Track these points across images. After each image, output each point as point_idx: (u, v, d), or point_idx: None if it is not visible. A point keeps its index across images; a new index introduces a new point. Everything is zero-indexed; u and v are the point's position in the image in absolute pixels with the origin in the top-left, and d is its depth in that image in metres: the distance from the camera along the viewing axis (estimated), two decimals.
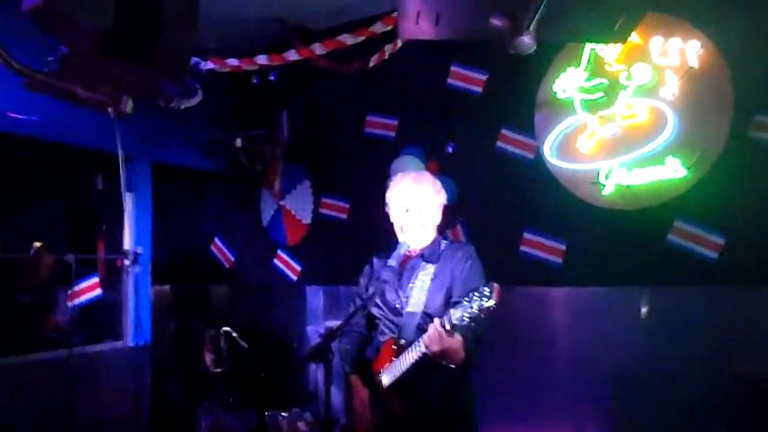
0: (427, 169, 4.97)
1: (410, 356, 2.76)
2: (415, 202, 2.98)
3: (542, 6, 1.77)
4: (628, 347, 4.24)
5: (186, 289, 6.75)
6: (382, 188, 5.12)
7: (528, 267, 4.61)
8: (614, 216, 4.31)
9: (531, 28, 1.88)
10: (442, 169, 4.97)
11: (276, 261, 6.18)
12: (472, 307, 2.47)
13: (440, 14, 1.93)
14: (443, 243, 3.08)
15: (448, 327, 2.54)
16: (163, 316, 6.49)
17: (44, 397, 4.76)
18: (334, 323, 5.57)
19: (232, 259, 6.59)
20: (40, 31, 2.29)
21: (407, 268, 3.05)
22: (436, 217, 3.06)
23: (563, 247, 4.53)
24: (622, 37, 2.03)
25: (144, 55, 2.37)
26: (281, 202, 6.18)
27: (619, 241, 4.27)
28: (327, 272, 5.87)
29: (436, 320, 2.59)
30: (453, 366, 2.66)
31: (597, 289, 4.41)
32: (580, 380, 4.42)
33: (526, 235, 4.65)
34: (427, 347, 2.61)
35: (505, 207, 4.77)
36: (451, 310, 2.54)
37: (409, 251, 3.04)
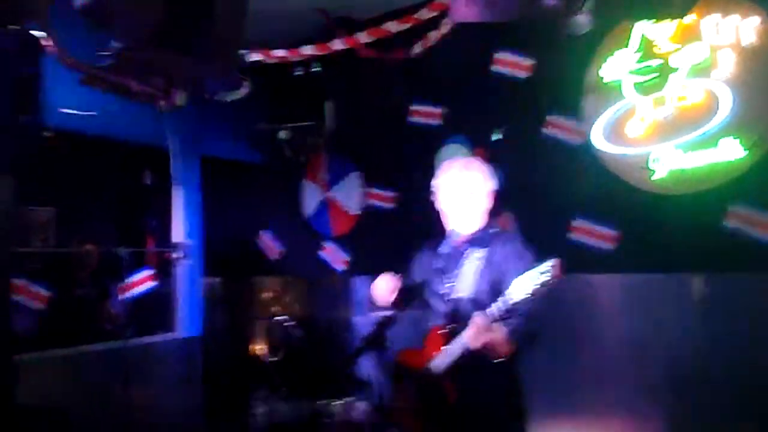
0: (474, 156, 4.94)
1: (457, 346, 2.75)
2: (464, 188, 2.96)
3: None
4: (683, 335, 4.15)
5: (234, 281, 6.82)
6: (428, 177, 5.14)
7: (577, 254, 4.51)
8: (666, 201, 4.22)
9: (586, 7, 1.84)
10: (487, 156, 4.92)
11: (323, 252, 6.21)
12: (530, 280, 2.45)
13: None
14: (491, 230, 3.05)
15: (489, 321, 2.51)
16: (213, 308, 6.58)
17: (101, 386, 4.87)
18: (385, 312, 5.57)
19: (280, 250, 6.63)
20: (94, 27, 2.33)
21: (456, 255, 3.03)
22: (486, 204, 3.03)
23: (613, 233, 4.44)
24: (682, 13, 1.97)
25: (195, 48, 2.39)
26: (327, 194, 6.19)
27: (672, 226, 4.17)
28: (373, 262, 5.85)
29: (477, 316, 2.57)
30: (495, 359, 2.64)
31: (650, 276, 4.33)
32: (633, 369, 4.34)
33: (575, 222, 4.58)
34: (468, 342, 2.59)
35: (553, 194, 4.69)
36: (507, 291, 2.52)
37: (456, 241, 3.02)
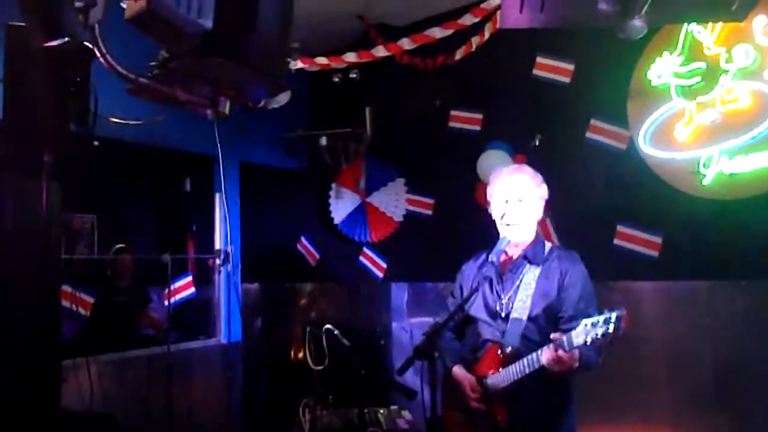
0: (515, 162, 4.90)
1: (520, 368, 2.71)
2: (514, 193, 2.92)
3: None
4: (731, 343, 4.06)
5: (274, 286, 6.86)
6: (468, 184, 5.12)
7: (623, 261, 4.46)
8: (715, 206, 4.12)
9: (643, 11, 1.80)
10: (529, 162, 4.87)
11: (361, 258, 6.20)
12: (597, 333, 2.41)
13: (545, 1, 1.87)
14: (548, 246, 3.00)
15: (567, 349, 2.49)
16: (253, 314, 6.63)
17: (143, 391, 4.93)
18: (422, 320, 5.55)
19: (318, 256, 6.65)
20: (143, 35, 2.34)
21: (509, 269, 2.98)
22: (537, 211, 2.98)
23: (659, 240, 4.36)
24: (740, 16, 1.92)
25: (242, 56, 2.40)
26: (367, 199, 6.17)
27: (721, 232, 4.09)
28: (412, 269, 5.85)
29: (556, 338, 2.54)
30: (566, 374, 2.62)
31: (697, 283, 4.24)
32: (680, 378, 4.26)
33: (620, 228, 4.50)
34: (546, 364, 2.57)
35: (597, 199, 4.62)
36: (573, 333, 2.48)
37: (509, 253, 2.98)
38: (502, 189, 2.95)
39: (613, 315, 2.40)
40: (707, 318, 4.17)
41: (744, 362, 3.99)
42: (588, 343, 2.44)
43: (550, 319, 2.80)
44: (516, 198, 2.91)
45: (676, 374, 4.28)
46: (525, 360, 2.69)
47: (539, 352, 2.61)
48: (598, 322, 2.41)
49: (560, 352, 2.51)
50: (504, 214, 2.93)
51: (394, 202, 6.02)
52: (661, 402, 4.32)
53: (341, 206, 6.35)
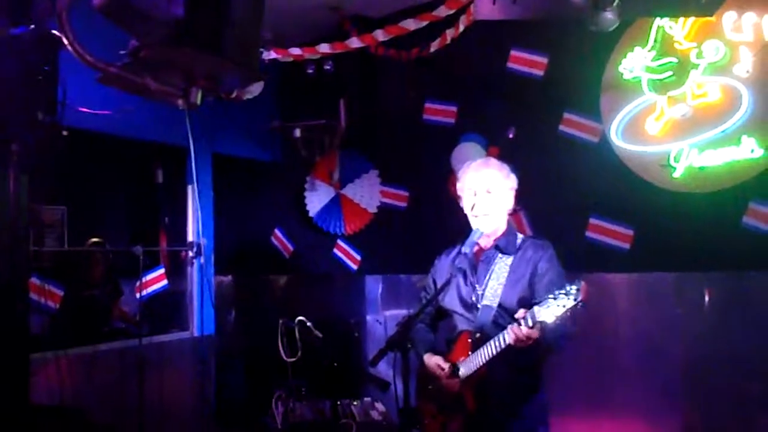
0: (488, 154, 4.91)
1: (488, 351, 2.73)
2: (483, 184, 2.93)
3: None
4: (701, 335, 4.13)
5: (247, 279, 6.83)
6: (442, 176, 5.13)
7: (595, 253, 4.51)
8: (685, 199, 4.18)
9: (615, 4, 1.81)
10: (502, 154, 4.89)
11: (336, 250, 6.19)
12: (558, 306, 2.44)
13: None
14: (520, 236, 3.03)
15: (530, 324, 2.52)
16: (226, 307, 6.59)
17: (115, 385, 4.88)
18: (396, 312, 5.56)
19: (292, 249, 6.62)
20: (112, 24, 2.31)
21: (482, 260, 3.00)
22: (507, 202, 3.00)
23: (631, 233, 4.41)
24: (709, 11, 1.94)
25: (214, 46, 2.37)
26: (341, 191, 6.16)
27: (691, 224, 4.14)
28: (386, 261, 5.85)
29: (520, 317, 2.55)
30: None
31: (667, 275, 4.30)
32: (650, 369, 4.32)
33: (592, 221, 4.55)
34: (513, 343, 2.58)
35: (570, 192, 4.66)
36: (535, 308, 2.51)
37: (481, 244, 3.00)
38: (471, 181, 2.97)
39: (573, 287, 2.44)
40: (678, 309, 4.24)
41: (713, 353, 4.05)
42: (551, 320, 2.47)
43: (522, 306, 2.81)
44: (484, 189, 2.93)
45: (646, 365, 4.33)
46: (492, 342, 2.72)
47: (505, 332, 2.64)
48: (559, 295, 2.45)
49: (524, 327, 2.53)
50: (473, 206, 2.95)
51: (368, 193, 6.01)
52: (631, 392, 4.38)
53: (316, 198, 6.33)
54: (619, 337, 4.44)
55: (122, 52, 2.46)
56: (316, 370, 3.70)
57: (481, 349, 2.77)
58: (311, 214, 6.34)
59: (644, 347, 4.36)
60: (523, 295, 2.84)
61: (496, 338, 2.70)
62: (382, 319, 5.72)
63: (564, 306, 2.44)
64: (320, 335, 3.33)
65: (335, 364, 3.38)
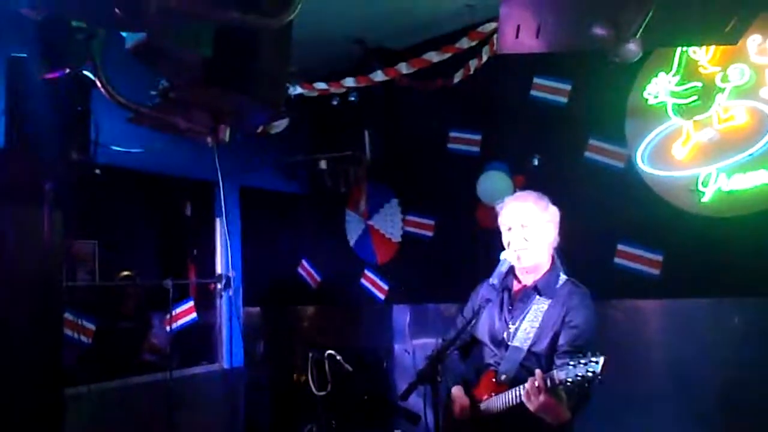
0: (514, 183, 4.91)
1: (508, 398, 2.71)
2: (517, 219, 2.91)
3: (650, 12, 1.71)
4: (733, 361, 4.03)
5: (275, 310, 6.85)
6: (468, 205, 5.13)
7: (623, 280, 4.46)
8: (715, 224, 4.13)
9: (637, 35, 1.82)
10: (528, 183, 4.89)
11: (363, 280, 6.20)
12: (577, 374, 2.42)
13: (541, 26, 1.89)
14: (563, 278, 2.97)
15: (549, 385, 2.50)
16: (255, 339, 6.61)
17: (146, 417, 4.91)
18: (424, 341, 5.54)
19: (319, 279, 6.65)
20: (143, 66, 2.37)
21: (519, 299, 2.96)
22: (546, 236, 2.96)
23: (660, 258, 4.36)
24: (733, 39, 1.94)
25: (241, 85, 2.42)
26: (369, 222, 6.20)
27: (721, 249, 4.08)
28: (413, 290, 5.84)
29: (537, 374, 2.54)
30: (555, 423, 2.61)
31: (698, 301, 4.23)
32: (682, 397, 4.23)
33: (621, 247, 4.50)
34: (525, 400, 2.57)
35: (597, 219, 4.61)
36: (555, 371, 2.50)
37: (522, 281, 2.98)
38: (506, 216, 2.96)
39: (594, 359, 2.42)
40: (709, 335, 4.16)
41: (746, 380, 3.96)
42: (569, 383, 2.45)
43: (549, 353, 2.79)
44: (518, 224, 2.90)
45: (678, 392, 4.25)
46: (512, 391, 2.69)
47: (523, 386, 2.61)
48: (579, 363, 2.43)
49: (531, 385, 2.51)
50: (509, 242, 2.92)
51: (392, 223, 6.05)
52: (663, 420, 4.29)
53: (353, 229, 6.41)
54: (650, 363, 4.37)
55: (152, 92, 2.53)
56: (347, 403, 3.69)
57: (504, 394, 2.74)
58: (351, 244, 6.40)
59: (675, 374, 4.27)
60: (553, 343, 2.79)
61: (518, 388, 2.67)
62: (411, 349, 5.69)
63: (582, 377, 2.42)
64: (350, 369, 3.33)
65: (365, 397, 3.37)
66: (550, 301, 2.86)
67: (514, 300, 2.96)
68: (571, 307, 2.82)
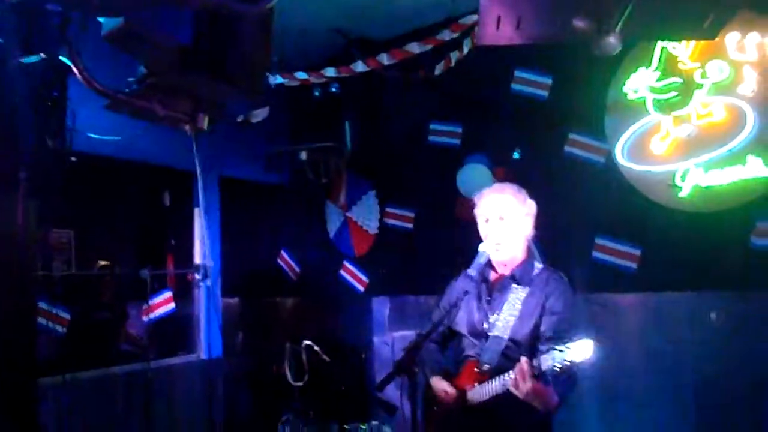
0: (494, 176, 4.92)
1: (493, 387, 2.72)
2: (495, 211, 2.91)
3: (630, 5, 1.71)
4: (709, 354, 4.08)
5: (254, 301, 6.82)
6: (449, 197, 5.14)
7: (602, 273, 4.49)
8: (692, 218, 4.17)
9: (617, 28, 1.82)
10: (508, 176, 4.90)
11: (342, 272, 6.19)
12: (565, 359, 2.44)
13: (521, 18, 1.89)
14: (538, 266, 2.98)
15: (536, 371, 2.52)
16: (233, 329, 6.58)
17: (123, 407, 4.88)
18: (403, 333, 5.55)
19: (299, 270, 6.63)
20: (121, 52, 2.34)
21: (497, 288, 2.97)
22: (524, 228, 2.96)
23: (638, 252, 4.40)
24: (711, 34, 1.95)
25: (220, 72, 2.40)
26: (347, 214, 6.19)
27: (698, 244, 4.13)
28: (393, 282, 5.85)
29: (523, 360, 2.54)
30: (543, 409, 2.62)
31: (675, 295, 4.27)
32: (659, 390, 4.28)
33: (599, 241, 4.54)
34: (513, 388, 2.58)
35: (576, 212, 4.65)
36: (542, 357, 2.51)
37: (498, 271, 2.99)
38: (484, 208, 2.95)
39: (580, 343, 2.44)
40: (686, 329, 4.21)
41: (723, 373, 4.01)
42: (557, 368, 2.47)
43: (531, 341, 2.81)
44: (497, 216, 2.91)
45: (655, 386, 4.29)
46: (498, 378, 2.70)
47: (509, 373, 2.62)
48: (566, 348, 2.45)
49: (519, 371, 2.52)
50: (487, 234, 2.92)
51: (369, 215, 6.05)
52: (641, 413, 4.34)
53: (332, 220, 6.40)
54: (627, 356, 4.40)
55: (130, 79, 2.49)
56: (324, 394, 3.69)
57: (487, 383, 2.75)
58: (331, 236, 6.38)
59: (652, 367, 4.32)
60: (534, 330, 2.81)
61: (501, 377, 2.69)
62: (390, 341, 5.70)
63: (570, 361, 2.44)
64: (327, 359, 3.33)
65: (342, 388, 3.37)
66: (528, 289, 2.88)
67: (492, 290, 2.97)
68: (550, 294, 2.84)
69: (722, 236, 4.04)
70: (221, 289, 5.97)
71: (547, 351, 2.51)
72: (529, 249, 3.03)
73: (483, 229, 2.95)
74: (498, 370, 2.74)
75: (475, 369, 2.86)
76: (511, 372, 2.60)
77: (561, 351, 2.45)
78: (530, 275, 2.93)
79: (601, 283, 4.48)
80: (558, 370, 2.47)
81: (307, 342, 3.36)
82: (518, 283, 2.91)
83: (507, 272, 2.97)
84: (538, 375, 2.53)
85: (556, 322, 2.77)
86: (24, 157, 2.90)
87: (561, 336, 2.65)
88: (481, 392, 2.79)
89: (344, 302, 6.22)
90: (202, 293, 5.73)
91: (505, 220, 2.90)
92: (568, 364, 2.44)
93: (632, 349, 4.40)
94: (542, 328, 2.79)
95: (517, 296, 2.88)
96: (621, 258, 4.46)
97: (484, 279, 3.01)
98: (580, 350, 2.43)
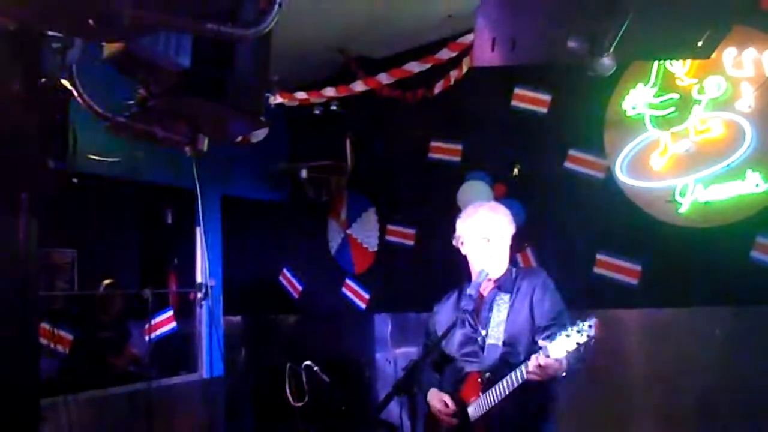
0: (494, 192, 4.94)
1: (501, 390, 2.73)
2: (495, 232, 2.97)
3: (624, 26, 1.73)
4: (710, 369, 4.08)
5: (256, 319, 6.82)
6: (449, 214, 5.13)
7: (602, 289, 4.50)
8: (692, 234, 4.18)
9: (611, 49, 1.84)
10: (509, 192, 4.91)
11: (344, 289, 6.19)
12: (570, 342, 2.46)
13: (516, 40, 1.91)
14: (514, 270, 3.07)
15: (542, 363, 2.53)
16: (235, 348, 6.57)
17: (125, 427, 4.87)
18: (406, 350, 5.54)
19: (300, 288, 6.63)
20: (120, 75, 2.36)
21: (484, 301, 3.02)
22: (509, 246, 3.05)
23: (638, 268, 4.40)
24: (705, 53, 1.97)
25: (220, 94, 2.41)
26: (348, 231, 6.20)
27: (698, 259, 4.13)
28: (395, 299, 5.84)
29: (534, 356, 2.57)
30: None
31: (676, 311, 4.27)
32: (660, 406, 4.27)
33: (599, 257, 4.54)
34: (530, 380, 2.59)
35: (576, 228, 4.66)
36: (548, 345, 2.52)
37: (482, 288, 3.03)
38: (483, 227, 2.98)
39: (585, 324, 2.47)
40: (687, 344, 4.20)
41: (725, 389, 4.00)
42: (563, 356, 2.50)
43: (528, 339, 2.85)
44: (497, 236, 2.97)
45: (656, 402, 4.28)
46: (505, 380, 2.72)
47: (518, 369, 2.65)
48: (571, 333, 2.47)
49: (542, 358, 2.54)
50: (488, 253, 2.97)
51: (369, 232, 6.06)
52: (640, 427, 4.33)
53: (333, 238, 6.41)
54: (629, 372, 4.40)
55: (130, 102, 2.51)
56: (324, 414, 3.68)
57: (494, 388, 2.77)
58: (332, 253, 6.39)
59: (654, 382, 4.31)
60: (526, 328, 2.87)
61: (509, 376, 2.70)
62: (392, 358, 5.68)
63: (576, 342, 2.46)
64: (327, 380, 3.33)
65: (343, 408, 3.37)
66: (509, 293, 2.97)
67: (480, 302, 3.02)
68: (534, 287, 2.92)
69: (722, 251, 4.04)
70: (223, 307, 5.97)
71: (552, 335, 2.54)
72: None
73: (481, 246, 2.98)
74: (500, 377, 2.76)
75: (478, 380, 2.89)
76: (518, 370, 2.64)
77: (568, 336, 2.48)
78: (510, 280, 3.01)
79: (602, 299, 4.48)
80: (567, 353, 2.49)
81: (307, 363, 3.36)
82: (502, 291, 2.99)
83: (491, 286, 3.04)
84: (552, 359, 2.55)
85: (549, 309, 2.85)
86: (25, 179, 2.92)
87: (558, 320, 2.74)
88: (486, 400, 2.81)
89: (346, 320, 6.21)
90: (204, 312, 5.73)
91: (503, 239, 2.99)
92: (577, 346, 2.46)
93: (633, 364, 4.39)
94: (537, 321, 2.86)
95: (503, 303, 2.95)
96: (621, 273, 4.46)
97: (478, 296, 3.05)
98: (588, 330, 2.46)
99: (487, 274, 2.93)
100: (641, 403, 4.35)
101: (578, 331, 2.46)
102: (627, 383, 4.38)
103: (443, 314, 3.19)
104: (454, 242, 3.12)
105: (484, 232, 2.97)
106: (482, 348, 2.93)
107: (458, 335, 3.03)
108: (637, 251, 4.41)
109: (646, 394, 4.34)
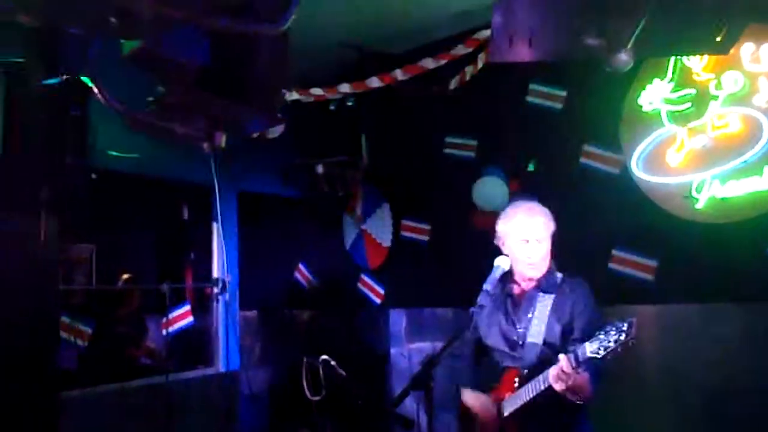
0: (509, 188, 4.93)
1: (532, 388, 2.77)
2: (535, 233, 3.00)
3: (642, 22, 1.73)
4: (727, 365, 4.05)
5: (272, 314, 6.86)
6: (464, 210, 5.15)
7: (618, 285, 4.48)
8: (708, 230, 4.15)
9: (629, 45, 1.84)
10: (523, 188, 4.91)
11: (360, 285, 6.21)
12: (609, 341, 2.49)
13: (533, 36, 1.92)
14: (559, 275, 3.09)
15: (574, 364, 2.54)
16: (251, 342, 6.61)
17: (143, 420, 4.91)
18: (421, 345, 5.56)
19: (316, 283, 6.66)
20: (140, 72, 2.38)
21: (525, 299, 3.07)
22: (549, 245, 3.08)
23: (654, 264, 4.38)
24: (723, 49, 1.96)
25: (238, 91, 2.44)
26: (363, 226, 6.23)
27: (715, 255, 4.10)
28: (410, 295, 5.86)
29: (563, 357, 2.58)
30: (579, 401, 2.66)
31: (692, 306, 4.24)
32: (676, 403, 4.25)
33: (615, 253, 4.52)
34: (553, 383, 2.61)
35: (592, 224, 4.64)
36: (586, 344, 2.55)
37: (522, 285, 3.09)
38: (523, 229, 3.02)
39: (625, 324, 2.50)
40: (703, 340, 4.17)
41: (740, 386, 3.98)
42: (601, 354, 2.51)
43: (565, 343, 2.88)
44: (535, 238, 3.00)
45: (671, 398, 4.27)
46: (537, 379, 2.75)
47: (548, 371, 2.67)
48: (610, 331, 2.51)
49: (558, 368, 2.55)
50: (527, 254, 3.01)
51: (383, 228, 6.08)
52: (656, 425, 4.31)
53: (349, 233, 6.45)
54: (644, 369, 4.38)
55: (149, 98, 2.54)
56: (341, 408, 3.70)
57: (526, 386, 2.81)
58: (347, 248, 6.43)
59: (669, 379, 4.29)
60: (566, 332, 2.91)
61: (542, 375, 2.73)
62: (407, 353, 5.71)
63: (615, 341, 2.49)
64: (344, 374, 3.35)
65: (359, 403, 3.39)
66: (553, 296, 3.00)
67: (518, 303, 3.07)
68: (577, 299, 2.96)
69: (739, 247, 4.01)
70: (239, 302, 6.01)
71: (589, 339, 2.57)
72: (550, 261, 3.11)
73: (521, 248, 3.02)
74: (535, 375, 2.80)
75: (516, 378, 2.94)
76: (551, 369, 2.65)
77: (605, 335, 2.51)
78: (555, 284, 3.05)
79: (618, 295, 4.46)
80: (604, 352, 2.50)
81: (324, 357, 3.38)
82: (544, 292, 3.03)
83: (532, 285, 3.07)
84: (579, 364, 2.57)
85: (586, 322, 2.86)
86: (45, 175, 2.96)
87: (591, 335, 2.71)
88: (519, 397, 2.84)
89: (361, 315, 6.24)
90: (221, 307, 5.77)
91: (542, 241, 3.02)
92: (613, 345, 2.48)
93: (648, 360, 4.38)
94: (575, 333, 2.89)
95: (544, 304, 2.98)
96: (637, 269, 4.44)
97: (508, 294, 3.12)
98: (627, 329, 2.49)
99: (503, 269, 2.96)
100: (655, 398, 4.34)
101: (616, 331, 2.49)
102: (641, 378, 4.37)
103: (485, 309, 3.21)
104: (495, 242, 3.15)
105: (523, 234, 3.01)
106: (522, 346, 2.98)
107: (497, 329, 3.09)
108: (653, 247, 4.39)
109: (661, 390, 4.33)
